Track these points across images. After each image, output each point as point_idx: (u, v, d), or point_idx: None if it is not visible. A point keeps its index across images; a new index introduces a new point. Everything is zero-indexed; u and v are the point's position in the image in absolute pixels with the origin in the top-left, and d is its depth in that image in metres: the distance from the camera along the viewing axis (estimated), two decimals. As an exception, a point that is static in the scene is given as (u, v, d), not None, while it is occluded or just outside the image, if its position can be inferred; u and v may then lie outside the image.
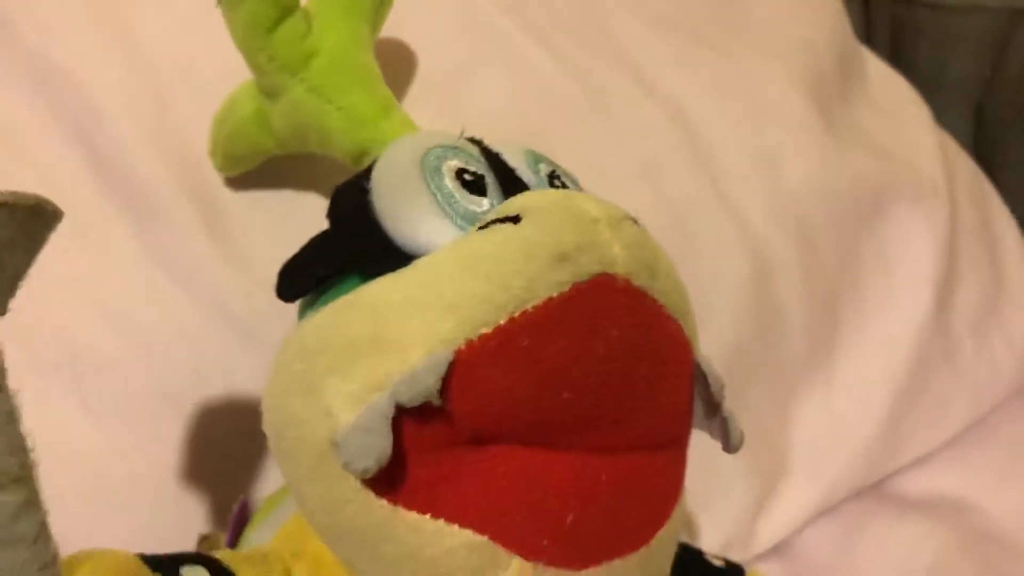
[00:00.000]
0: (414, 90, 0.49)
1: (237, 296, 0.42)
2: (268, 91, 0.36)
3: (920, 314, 0.58)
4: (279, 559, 0.29)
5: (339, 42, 0.35)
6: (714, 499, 0.51)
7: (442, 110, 0.48)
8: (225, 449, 0.41)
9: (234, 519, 0.35)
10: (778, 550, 0.53)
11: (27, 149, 0.44)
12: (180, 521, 0.40)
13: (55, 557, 0.23)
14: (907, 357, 0.58)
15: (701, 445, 0.48)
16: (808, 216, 0.56)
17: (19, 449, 0.22)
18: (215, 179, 0.44)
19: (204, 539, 0.38)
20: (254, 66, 0.36)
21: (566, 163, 0.34)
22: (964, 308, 0.62)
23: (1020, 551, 0.53)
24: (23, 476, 0.22)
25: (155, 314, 0.42)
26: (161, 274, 0.42)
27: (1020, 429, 0.62)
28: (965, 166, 0.69)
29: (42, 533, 0.22)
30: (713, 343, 0.51)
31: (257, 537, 0.33)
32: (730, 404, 0.29)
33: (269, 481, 0.41)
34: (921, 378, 0.58)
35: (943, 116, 0.75)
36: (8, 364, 0.40)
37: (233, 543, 0.35)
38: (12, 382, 0.40)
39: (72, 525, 0.39)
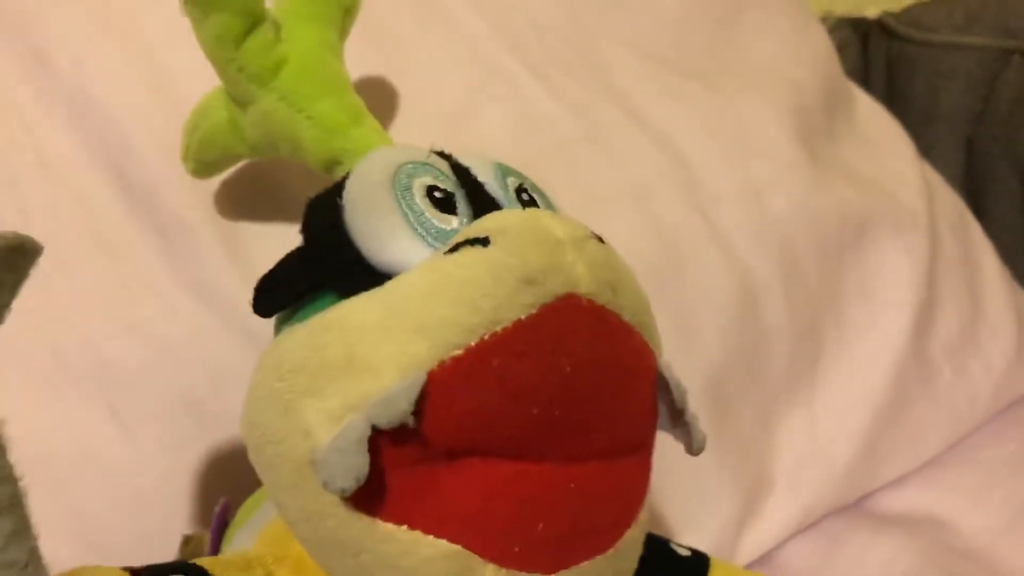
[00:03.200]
0: (419, 124, 0.51)
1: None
2: (239, 100, 0.36)
3: (899, 340, 0.61)
4: (262, 564, 0.30)
5: (308, 50, 0.36)
6: (699, 512, 0.53)
7: (446, 142, 0.49)
8: (243, 452, 0.43)
9: (217, 520, 0.36)
10: (760, 563, 0.55)
11: (65, 177, 0.46)
12: (202, 520, 0.42)
13: (45, 580, 0.24)
14: (886, 381, 0.60)
15: (688, 460, 0.51)
16: (792, 243, 0.58)
17: (8, 479, 0.23)
18: (234, 205, 0.46)
19: (188, 540, 0.39)
20: (225, 77, 0.36)
21: (561, 191, 0.35)
22: (943, 335, 0.64)
23: (990, 566, 0.54)
24: (13, 504, 0.23)
25: (178, 328, 0.44)
26: (184, 292, 0.45)
27: (995, 452, 0.63)
28: (948, 198, 0.71)
29: (32, 559, 0.23)
30: (700, 363, 0.53)
31: (240, 538, 0.34)
32: (694, 408, 0.30)
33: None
34: (900, 402, 0.60)
35: (936, 148, 0.78)
36: (41, 374, 0.42)
37: (216, 543, 0.36)
38: (44, 392, 0.42)
39: (99, 525, 0.41)
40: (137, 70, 0.47)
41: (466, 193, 0.31)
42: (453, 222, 0.29)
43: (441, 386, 0.25)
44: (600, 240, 0.28)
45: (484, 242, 0.27)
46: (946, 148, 0.83)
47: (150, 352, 0.44)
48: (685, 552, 0.36)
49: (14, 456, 0.24)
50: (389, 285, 0.27)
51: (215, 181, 0.46)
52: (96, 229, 0.45)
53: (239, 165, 0.45)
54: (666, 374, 0.29)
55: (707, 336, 0.54)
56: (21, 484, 0.23)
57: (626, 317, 0.28)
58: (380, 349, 0.26)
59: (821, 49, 0.70)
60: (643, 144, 0.56)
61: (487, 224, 0.28)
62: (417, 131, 0.49)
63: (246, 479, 0.42)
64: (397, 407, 0.24)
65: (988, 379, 0.65)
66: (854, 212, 0.61)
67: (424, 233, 0.29)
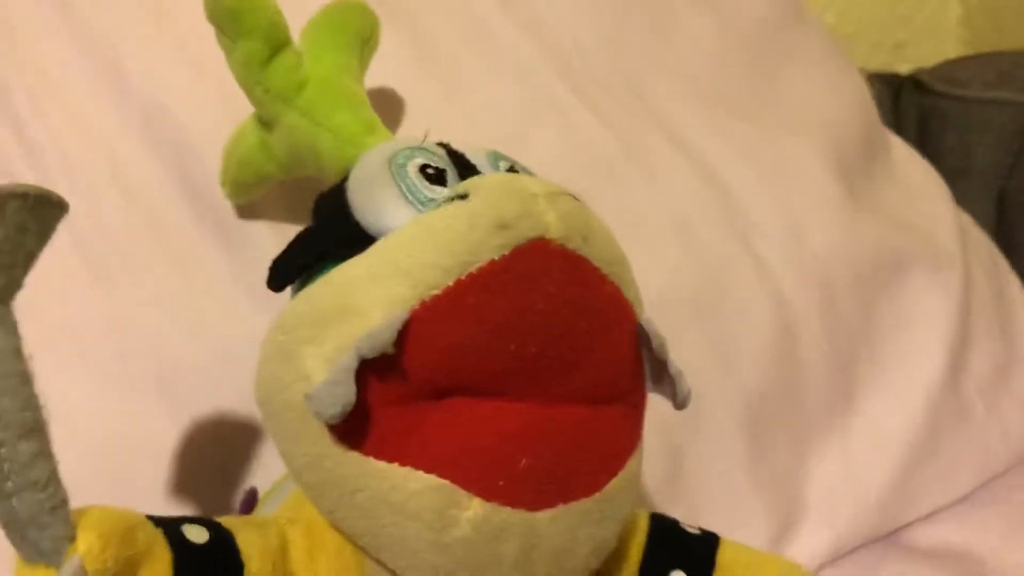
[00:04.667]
0: None
1: None
2: (267, 120, 0.40)
3: (933, 376, 0.61)
4: (275, 523, 0.32)
5: (327, 72, 0.39)
6: (732, 536, 0.52)
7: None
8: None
9: (243, 504, 0.39)
10: (792, 591, 0.55)
11: (135, 183, 0.48)
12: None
13: (64, 501, 0.26)
14: (920, 416, 0.60)
15: (722, 485, 0.52)
16: (830, 278, 0.59)
17: (33, 406, 0.25)
18: (292, 213, 0.49)
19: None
20: (253, 99, 0.39)
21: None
22: (976, 373, 0.64)
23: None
24: (36, 429, 0.25)
25: (237, 329, 0.46)
26: (244, 295, 0.47)
27: None
28: (981, 242, 0.73)
29: (52, 479, 0.25)
30: (738, 389, 0.54)
31: (262, 512, 0.36)
32: (677, 362, 0.32)
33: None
34: (933, 437, 0.60)
35: (968, 201, 0.79)
36: (103, 372, 0.44)
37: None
38: (107, 386, 0.45)
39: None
40: (205, 83, 0.49)
41: (458, 170, 0.33)
42: (443, 192, 0.32)
43: (422, 323, 0.27)
44: (575, 198, 0.31)
45: (464, 197, 0.29)
46: (978, 202, 0.83)
47: (210, 352, 0.46)
48: (694, 531, 0.37)
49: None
50: (379, 242, 0.30)
51: (275, 189, 0.48)
52: (163, 234, 0.48)
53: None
54: (646, 327, 0.31)
55: (745, 363, 0.55)
56: (43, 412, 0.26)
57: (597, 264, 0.30)
58: (368, 294, 0.28)
59: (858, 94, 0.72)
60: (686, 172, 0.57)
61: (467, 183, 0.30)
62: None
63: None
64: (381, 339, 0.26)
65: (1021, 418, 0.64)
66: (890, 249, 0.62)
67: (415, 201, 0.31)
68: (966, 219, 0.73)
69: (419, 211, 0.31)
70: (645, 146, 0.58)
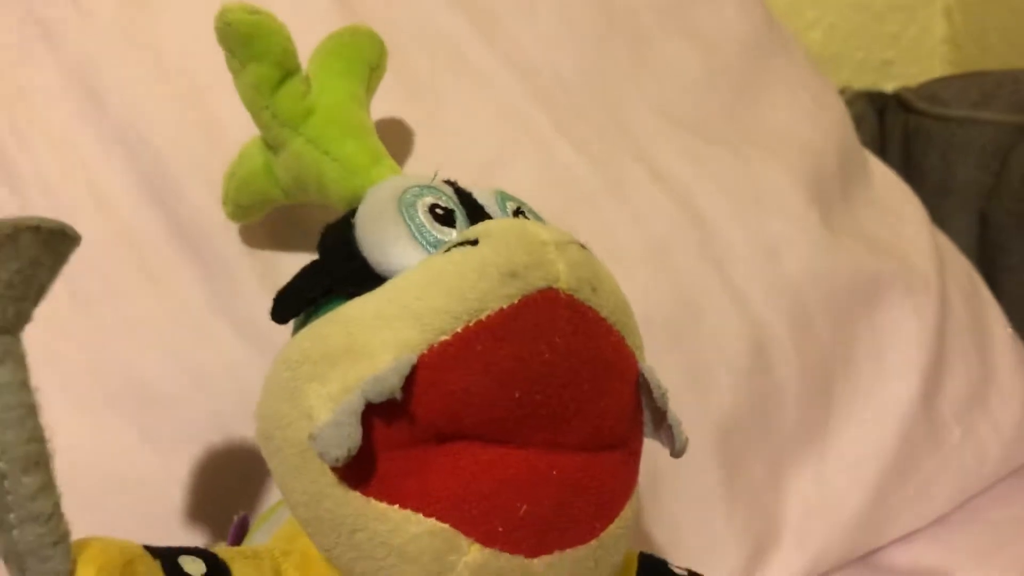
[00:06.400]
0: (451, 174, 0.54)
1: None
2: (272, 145, 0.40)
3: (908, 398, 0.62)
4: (269, 555, 0.32)
5: (335, 100, 0.39)
6: (707, 559, 0.53)
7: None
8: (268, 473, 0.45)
9: (234, 531, 0.39)
10: (766, 613, 0.55)
11: (115, 209, 0.49)
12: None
13: (66, 534, 0.26)
14: (895, 438, 0.61)
15: (697, 510, 0.53)
16: (805, 301, 0.60)
17: (38, 439, 0.25)
18: (273, 241, 0.49)
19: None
20: (259, 123, 0.39)
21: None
22: (952, 396, 0.65)
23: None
24: (41, 462, 0.25)
25: (213, 356, 0.47)
26: (221, 320, 0.48)
27: (1003, 512, 0.64)
28: (959, 265, 0.74)
29: (55, 512, 0.25)
30: (712, 413, 0.55)
31: (254, 541, 0.36)
32: (675, 411, 0.32)
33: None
34: (908, 459, 0.61)
35: (950, 220, 0.81)
36: (80, 393, 0.44)
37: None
38: (82, 409, 0.45)
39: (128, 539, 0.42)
40: (187, 113, 0.50)
41: (466, 211, 0.33)
42: (451, 233, 0.32)
43: (430, 368, 0.27)
44: (583, 247, 0.31)
45: (474, 243, 0.29)
46: (960, 221, 0.86)
47: (185, 377, 0.46)
48: (681, 571, 0.37)
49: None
50: (388, 283, 0.30)
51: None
52: (142, 260, 0.48)
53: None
54: (648, 376, 0.31)
55: (720, 387, 0.55)
56: (48, 445, 0.26)
57: (604, 314, 0.30)
58: (376, 336, 0.28)
59: (838, 118, 0.73)
60: (662, 201, 0.58)
61: (478, 228, 0.30)
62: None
63: (270, 498, 0.44)
64: (388, 383, 0.27)
65: (997, 441, 0.66)
66: (866, 273, 0.63)
67: (424, 242, 0.32)
68: (945, 241, 0.74)
69: (427, 252, 0.31)
70: (622, 174, 0.58)
